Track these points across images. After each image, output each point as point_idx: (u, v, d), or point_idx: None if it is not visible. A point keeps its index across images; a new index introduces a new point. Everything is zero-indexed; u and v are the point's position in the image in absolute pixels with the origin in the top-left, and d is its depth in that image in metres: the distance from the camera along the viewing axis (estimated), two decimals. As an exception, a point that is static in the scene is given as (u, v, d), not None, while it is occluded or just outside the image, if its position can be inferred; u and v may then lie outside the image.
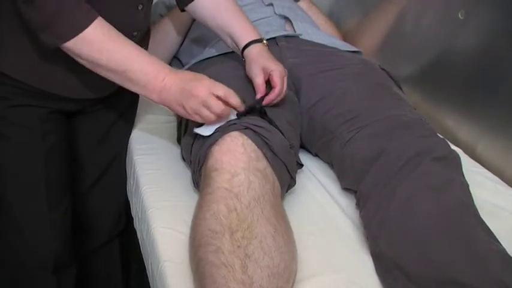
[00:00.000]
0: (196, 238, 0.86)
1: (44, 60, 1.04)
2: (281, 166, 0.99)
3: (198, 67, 1.30)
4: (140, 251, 1.10)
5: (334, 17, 1.80)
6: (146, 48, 1.17)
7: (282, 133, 1.03)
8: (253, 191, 0.89)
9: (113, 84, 1.15)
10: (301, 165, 1.11)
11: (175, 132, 1.26)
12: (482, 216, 0.90)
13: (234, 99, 0.98)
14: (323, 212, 1.05)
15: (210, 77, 1.04)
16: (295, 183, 1.07)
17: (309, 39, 1.40)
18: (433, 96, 1.43)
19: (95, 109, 1.21)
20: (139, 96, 1.34)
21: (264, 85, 1.09)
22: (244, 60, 1.15)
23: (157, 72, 0.97)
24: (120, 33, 0.96)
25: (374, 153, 1.01)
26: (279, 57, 1.22)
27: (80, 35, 0.92)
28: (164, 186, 1.11)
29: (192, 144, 1.06)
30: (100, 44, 0.94)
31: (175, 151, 1.21)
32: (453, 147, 1.08)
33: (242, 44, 1.15)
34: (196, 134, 1.04)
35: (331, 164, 1.17)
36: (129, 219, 1.27)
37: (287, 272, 0.82)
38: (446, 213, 0.88)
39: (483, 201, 1.03)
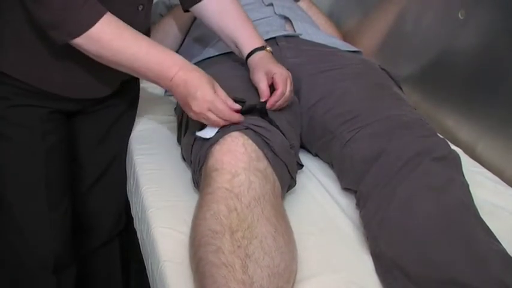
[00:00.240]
0: (196, 238, 0.86)
1: (44, 60, 1.04)
2: (282, 166, 0.99)
3: (198, 67, 1.30)
4: (140, 251, 1.10)
5: (334, 17, 1.80)
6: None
7: (283, 133, 1.03)
8: (254, 191, 0.89)
9: (113, 84, 1.16)
10: (302, 166, 1.11)
11: (175, 132, 1.26)
12: (482, 216, 0.90)
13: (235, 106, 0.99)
14: (323, 212, 1.05)
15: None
16: (295, 183, 1.07)
17: (309, 39, 1.40)
18: (433, 96, 1.43)
19: (95, 109, 1.21)
20: (140, 96, 1.35)
21: (268, 89, 1.08)
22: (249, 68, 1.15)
23: (166, 71, 0.97)
24: (129, 28, 0.96)
25: (374, 153, 1.01)
26: (279, 57, 1.23)
27: (88, 32, 0.92)
28: (164, 186, 1.11)
29: (192, 144, 1.05)
30: (108, 41, 0.94)
31: (175, 151, 1.21)
32: (453, 147, 1.08)
33: (246, 52, 1.16)
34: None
35: (331, 164, 1.17)
36: (129, 219, 1.27)
37: (287, 272, 0.82)
38: (446, 213, 0.88)
39: (483, 201, 1.03)
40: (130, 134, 1.31)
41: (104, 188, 1.30)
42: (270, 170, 0.96)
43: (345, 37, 1.69)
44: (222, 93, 0.98)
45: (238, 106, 0.99)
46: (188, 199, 1.03)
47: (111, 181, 1.31)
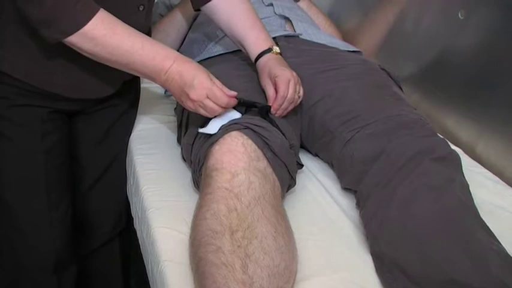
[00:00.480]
0: (196, 238, 0.86)
1: (44, 60, 1.04)
2: (281, 166, 0.99)
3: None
4: (140, 251, 1.10)
5: (334, 17, 1.80)
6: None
7: (283, 133, 1.03)
8: (254, 191, 0.89)
9: (115, 84, 1.16)
10: (302, 166, 1.11)
11: (176, 132, 1.26)
12: (482, 216, 0.90)
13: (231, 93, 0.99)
14: (323, 212, 1.05)
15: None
16: (295, 183, 1.07)
17: (308, 39, 1.40)
18: (433, 96, 1.43)
19: (95, 109, 1.21)
20: (140, 96, 1.35)
21: (274, 94, 1.07)
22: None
23: (160, 65, 0.97)
24: (122, 24, 0.96)
25: (374, 153, 1.01)
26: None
27: (81, 30, 0.92)
28: (164, 186, 1.11)
29: (192, 144, 1.05)
30: (102, 39, 0.94)
31: (175, 151, 1.21)
32: (453, 147, 1.08)
33: (253, 57, 1.15)
34: (197, 134, 1.04)
35: (331, 164, 1.17)
36: (129, 219, 1.27)
37: (287, 272, 0.82)
38: (446, 213, 0.88)
39: (483, 201, 1.03)
40: (130, 134, 1.31)
41: (104, 188, 1.30)
42: (269, 170, 0.96)
43: (345, 37, 1.69)
44: (217, 81, 0.99)
45: (234, 93, 0.99)
46: (188, 199, 1.03)
47: (111, 181, 1.31)
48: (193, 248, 0.87)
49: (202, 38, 1.45)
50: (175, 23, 1.52)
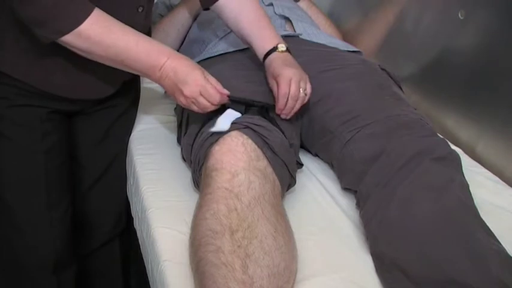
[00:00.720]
0: (196, 238, 0.86)
1: (44, 61, 1.04)
2: (281, 165, 0.99)
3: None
4: (140, 251, 1.10)
5: (334, 17, 1.80)
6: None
7: (283, 132, 1.03)
8: (254, 190, 0.89)
9: (114, 85, 1.16)
10: (301, 165, 1.11)
11: (176, 132, 1.26)
12: (482, 216, 0.90)
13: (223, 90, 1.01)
14: (323, 212, 1.05)
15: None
16: (295, 182, 1.07)
17: (308, 39, 1.40)
18: (433, 96, 1.43)
19: (95, 109, 1.21)
20: (140, 96, 1.35)
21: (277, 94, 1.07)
22: None
23: (155, 61, 0.98)
24: (117, 22, 0.97)
25: (374, 153, 1.01)
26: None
27: (77, 29, 0.92)
28: (164, 186, 1.11)
29: (192, 144, 1.06)
30: (97, 37, 0.94)
31: (175, 151, 1.21)
32: (453, 147, 1.08)
33: (261, 57, 1.14)
34: (197, 134, 1.04)
35: (331, 164, 1.17)
36: (129, 219, 1.27)
37: (287, 271, 0.82)
38: (446, 213, 0.88)
39: (483, 201, 1.03)
40: (130, 134, 1.31)
41: (104, 188, 1.30)
42: (269, 170, 0.96)
43: (345, 37, 1.69)
44: (212, 79, 1.00)
45: (227, 92, 1.01)
46: (188, 199, 1.04)
47: (111, 181, 1.31)
48: (193, 248, 0.87)
49: (202, 38, 1.45)
50: (175, 23, 1.52)
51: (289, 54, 1.14)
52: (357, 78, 1.22)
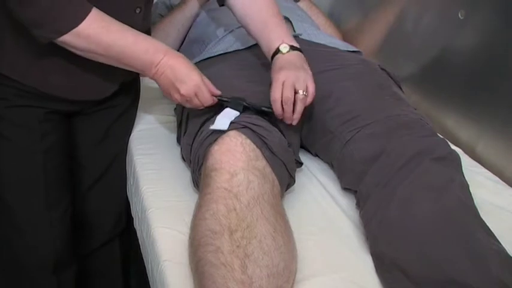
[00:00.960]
0: (195, 238, 0.86)
1: (42, 62, 1.04)
2: (280, 165, 0.99)
3: (198, 67, 1.30)
4: (140, 251, 1.10)
5: (334, 17, 1.80)
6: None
7: (281, 131, 1.03)
8: (253, 190, 0.89)
9: (113, 85, 1.16)
10: (301, 164, 1.11)
11: (176, 132, 1.26)
12: (482, 216, 0.90)
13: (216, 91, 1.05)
14: (323, 212, 1.05)
15: (210, 76, 1.05)
16: (294, 182, 1.07)
17: (308, 39, 1.40)
18: (433, 96, 1.43)
19: (94, 110, 1.21)
20: (140, 96, 1.35)
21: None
22: None
23: (151, 58, 1.00)
24: (115, 22, 0.97)
25: (374, 153, 1.01)
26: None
27: (76, 29, 0.93)
28: (164, 186, 1.11)
29: (192, 144, 1.06)
30: (96, 37, 0.95)
31: (175, 151, 1.21)
32: (453, 147, 1.08)
33: (269, 60, 1.13)
34: (196, 134, 1.04)
35: (331, 164, 1.17)
36: (129, 219, 1.27)
37: (287, 271, 0.82)
38: (446, 213, 0.88)
39: (483, 201, 1.03)
40: (130, 134, 1.31)
41: (104, 188, 1.30)
42: (268, 169, 0.96)
43: (345, 37, 1.69)
44: (207, 81, 1.04)
45: (219, 92, 1.05)
46: (188, 199, 1.04)
47: (111, 181, 1.31)
48: (192, 248, 0.87)
49: (202, 38, 1.45)
50: (175, 23, 1.52)
51: (293, 53, 1.11)
52: (357, 78, 1.22)
